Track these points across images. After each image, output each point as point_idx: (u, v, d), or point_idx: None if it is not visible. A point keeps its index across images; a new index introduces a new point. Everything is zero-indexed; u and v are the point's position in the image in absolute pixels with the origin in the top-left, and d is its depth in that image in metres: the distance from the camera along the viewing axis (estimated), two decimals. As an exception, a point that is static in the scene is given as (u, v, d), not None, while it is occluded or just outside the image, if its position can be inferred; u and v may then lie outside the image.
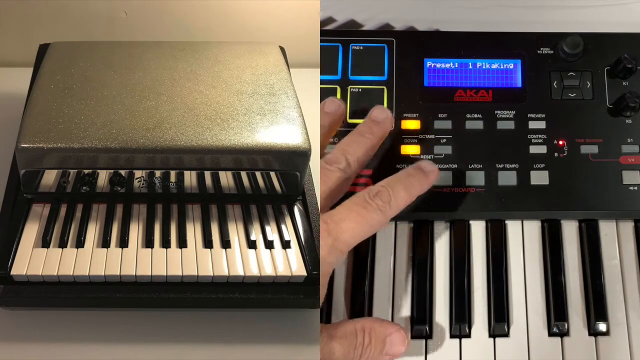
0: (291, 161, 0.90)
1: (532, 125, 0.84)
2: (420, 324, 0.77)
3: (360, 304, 0.78)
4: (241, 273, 0.84)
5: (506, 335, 0.77)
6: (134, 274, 0.83)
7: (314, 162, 0.87)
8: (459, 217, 0.83)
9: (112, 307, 0.85)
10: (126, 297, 0.83)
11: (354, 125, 0.84)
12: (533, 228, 0.83)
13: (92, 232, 0.88)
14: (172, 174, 0.90)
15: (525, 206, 0.82)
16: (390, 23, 0.96)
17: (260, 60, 1.03)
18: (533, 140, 0.84)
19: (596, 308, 0.77)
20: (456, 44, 0.87)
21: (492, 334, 0.77)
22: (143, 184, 0.91)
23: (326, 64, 0.87)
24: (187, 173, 0.90)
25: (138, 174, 0.90)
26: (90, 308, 0.85)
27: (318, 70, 0.87)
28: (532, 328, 0.77)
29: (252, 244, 0.88)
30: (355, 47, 0.88)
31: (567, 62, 0.86)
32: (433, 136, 0.84)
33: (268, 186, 0.92)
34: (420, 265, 0.81)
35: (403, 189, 0.74)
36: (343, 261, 0.81)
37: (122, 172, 0.89)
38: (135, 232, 0.88)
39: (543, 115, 0.85)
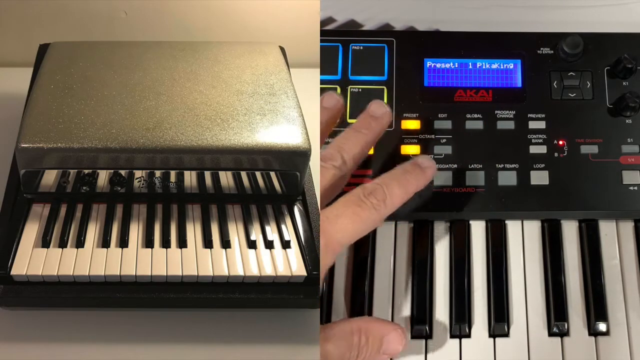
0: (291, 161, 0.90)
1: (532, 125, 0.84)
2: (420, 324, 0.77)
3: (360, 304, 0.78)
4: (241, 273, 0.84)
5: (506, 335, 0.77)
6: (134, 274, 0.83)
7: (314, 162, 0.87)
8: (459, 217, 0.83)
9: (112, 307, 0.85)
10: (126, 297, 0.83)
11: (354, 125, 0.84)
12: (533, 228, 0.83)
13: (92, 232, 0.88)
14: (172, 174, 0.90)
15: (525, 206, 0.82)
16: (390, 23, 0.96)
17: (260, 60, 1.03)
18: (533, 140, 0.84)
19: (596, 308, 0.78)
20: (456, 44, 0.88)
21: (492, 334, 0.77)
22: (143, 184, 0.91)
23: (326, 64, 0.87)
24: (187, 173, 0.90)
25: (138, 174, 0.90)
26: (90, 308, 0.85)
27: (318, 70, 0.87)
28: (532, 328, 0.77)
29: (252, 244, 0.88)
30: (355, 47, 0.88)
31: (567, 62, 0.86)
32: (433, 136, 0.84)
33: (268, 186, 0.92)
34: (420, 265, 0.81)
35: (398, 187, 0.72)
36: (342, 255, 0.81)
37: (122, 172, 0.89)
38: (135, 232, 0.88)
39: (543, 115, 0.85)
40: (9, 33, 1.26)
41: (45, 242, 0.85)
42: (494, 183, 0.82)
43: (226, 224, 0.90)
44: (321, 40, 0.88)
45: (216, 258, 0.86)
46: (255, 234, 0.89)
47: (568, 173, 0.82)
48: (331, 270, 0.81)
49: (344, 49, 0.88)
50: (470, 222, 0.83)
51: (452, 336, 0.78)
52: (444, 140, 0.84)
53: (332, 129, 0.81)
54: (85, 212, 0.90)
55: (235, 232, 0.89)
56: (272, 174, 0.91)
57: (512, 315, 0.78)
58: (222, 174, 0.90)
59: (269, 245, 0.88)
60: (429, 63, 0.87)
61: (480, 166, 0.83)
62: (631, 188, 0.82)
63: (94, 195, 0.91)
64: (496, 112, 0.85)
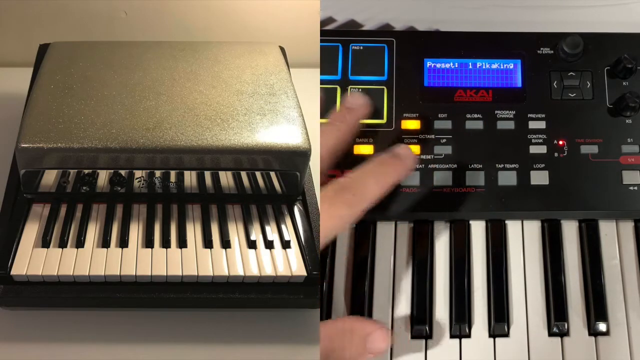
0: (291, 161, 0.90)
1: (532, 125, 0.84)
2: (420, 324, 0.77)
3: (360, 304, 0.78)
4: (241, 273, 0.84)
5: (506, 335, 0.77)
6: (134, 274, 0.83)
7: (314, 162, 0.87)
8: (459, 217, 0.83)
9: (112, 307, 0.85)
10: (126, 297, 0.83)
11: (354, 125, 0.84)
12: (533, 228, 0.83)
13: (92, 232, 0.88)
14: (172, 174, 0.90)
15: (525, 206, 0.82)
16: (390, 23, 0.96)
17: (260, 60, 1.03)
18: (533, 140, 0.84)
19: (596, 308, 0.77)
20: (456, 44, 0.87)
21: (492, 334, 0.77)
22: (143, 184, 0.91)
23: (326, 64, 0.87)
24: (187, 173, 0.90)
25: (138, 174, 0.90)
26: (90, 308, 0.86)
27: (318, 70, 0.87)
28: (532, 328, 0.77)
29: (252, 244, 0.88)
30: (355, 47, 0.88)
31: (567, 62, 0.86)
32: (433, 136, 0.84)
33: (268, 186, 0.92)
34: (420, 265, 0.81)
35: (374, 181, 0.71)
36: (342, 255, 0.81)
37: (122, 172, 0.89)
38: (135, 232, 0.88)
39: (543, 115, 0.85)
40: (9, 33, 1.26)
41: (45, 242, 0.85)
42: (494, 183, 0.82)
43: (226, 224, 0.90)
44: (321, 40, 0.88)
45: (216, 258, 0.86)
46: (255, 234, 0.89)
47: (568, 173, 0.82)
48: (331, 270, 0.81)
49: (344, 49, 0.88)
50: (470, 222, 0.83)
51: (452, 336, 0.77)
52: (444, 140, 0.84)
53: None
54: (85, 212, 0.90)
55: (235, 232, 0.89)
56: (272, 174, 0.91)
57: (512, 315, 0.78)
58: (222, 174, 0.91)
59: (269, 245, 0.88)
60: (429, 63, 0.87)
61: (480, 166, 0.83)
62: (631, 188, 0.82)
63: (94, 195, 0.91)
64: (496, 112, 0.85)
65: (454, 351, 0.77)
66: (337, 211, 0.69)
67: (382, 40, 0.88)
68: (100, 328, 0.85)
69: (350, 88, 0.86)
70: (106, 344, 0.83)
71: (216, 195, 0.93)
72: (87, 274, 0.83)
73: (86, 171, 0.89)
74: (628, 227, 0.83)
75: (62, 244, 0.86)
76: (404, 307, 0.79)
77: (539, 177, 0.82)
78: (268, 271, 0.84)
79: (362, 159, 0.83)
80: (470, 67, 0.87)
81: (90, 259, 0.84)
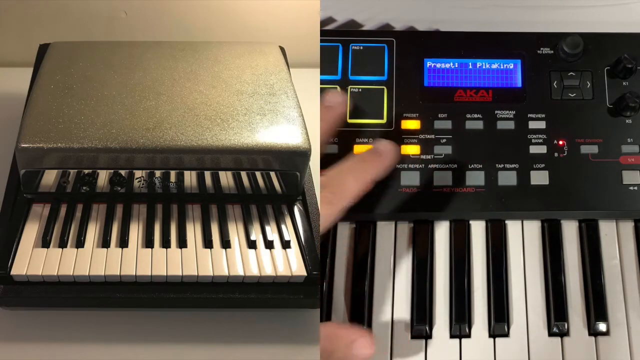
0: (291, 161, 0.90)
1: (532, 125, 0.84)
2: (420, 324, 0.77)
3: (360, 304, 0.78)
4: (241, 273, 0.84)
5: (506, 335, 0.77)
6: (134, 274, 0.83)
7: (314, 162, 0.87)
8: (459, 217, 0.83)
9: (112, 307, 0.85)
10: (126, 297, 0.83)
11: (354, 125, 0.84)
12: (533, 228, 0.83)
13: (92, 232, 0.88)
14: (172, 174, 0.90)
15: (525, 206, 0.82)
16: (390, 23, 0.96)
17: (260, 60, 1.03)
18: (533, 140, 0.84)
19: (596, 308, 0.77)
20: (456, 44, 0.87)
21: (492, 334, 0.77)
22: (143, 184, 0.91)
23: (326, 64, 0.87)
24: (187, 173, 0.90)
25: (138, 174, 0.90)
26: (90, 308, 0.86)
27: (318, 70, 0.87)
28: (532, 328, 0.77)
29: (252, 244, 0.88)
30: (355, 47, 0.88)
31: (567, 62, 0.86)
32: (433, 136, 0.84)
33: (268, 186, 0.92)
34: (420, 265, 0.81)
35: (353, 179, 0.71)
36: (343, 255, 0.81)
37: (122, 172, 0.89)
38: (135, 232, 0.88)
39: (543, 115, 0.85)
40: (9, 33, 1.26)
41: (45, 242, 0.85)
42: (494, 183, 0.82)
43: (226, 224, 0.90)
44: (321, 40, 0.88)
45: (216, 258, 0.86)
46: (255, 234, 0.89)
47: (568, 173, 0.82)
48: (331, 270, 0.81)
49: (344, 49, 0.88)
50: (470, 222, 0.83)
51: (452, 336, 0.77)
52: (444, 140, 0.84)
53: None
54: (85, 212, 0.90)
55: (235, 232, 0.89)
56: (272, 174, 0.91)
57: (512, 315, 0.78)
58: (222, 174, 0.91)
59: (269, 245, 0.88)
60: (429, 63, 0.87)
61: (480, 166, 0.83)
62: (631, 188, 0.82)
63: (94, 195, 0.91)
64: (496, 112, 0.85)
65: (454, 351, 0.77)
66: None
67: (382, 40, 0.88)
68: (100, 328, 0.85)
69: (350, 88, 0.86)
70: (106, 344, 0.83)
71: (216, 195, 0.93)
72: (87, 274, 0.83)
73: (86, 171, 0.89)
74: (628, 227, 0.83)
75: (62, 244, 0.86)
76: (404, 307, 0.79)
77: (539, 177, 0.82)
78: (268, 271, 0.84)
79: (362, 159, 0.83)
80: (470, 67, 0.87)
81: (90, 259, 0.84)
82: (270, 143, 0.89)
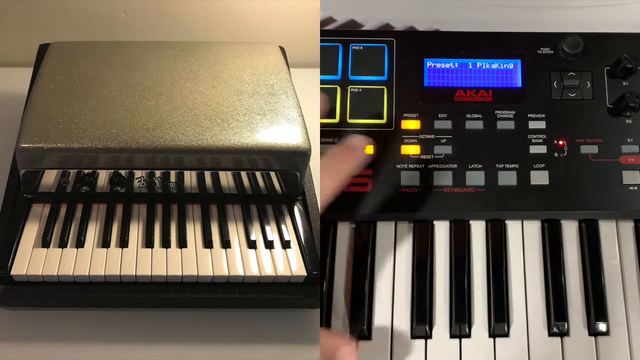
0: (291, 161, 0.90)
1: (532, 125, 0.84)
2: (420, 324, 0.77)
3: (360, 304, 0.78)
4: (241, 273, 0.84)
5: (506, 335, 0.77)
6: (134, 274, 0.83)
7: (314, 162, 0.87)
8: (459, 217, 0.83)
9: (112, 307, 0.85)
10: (126, 297, 0.83)
11: (354, 125, 0.84)
12: (533, 228, 0.83)
13: (92, 232, 0.88)
14: (172, 174, 0.90)
15: (525, 206, 0.82)
16: (390, 23, 0.96)
17: (260, 60, 1.03)
18: (533, 140, 0.84)
19: (596, 308, 0.78)
20: (456, 44, 0.87)
21: (492, 334, 0.77)
22: (143, 184, 0.91)
23: (326, 64, 0.87)
24: (187, 173, 0.90)
25: (138, 174, 0.90)
26: (90, 308, 0.85)
27: (318, 70, 0.87)
28: (532, 328, 0.77)
29: (252, 244, 0.88)
30: (355, 47, 0.88)
31: (567, 62, 0.86)
32: (433, 136, 0.84)
33: (268, 186, 0.92)
34: (420, 265, 0.81)
35: (328, 177, 0.72)
36: (343, 255, 0.81)
37: (122, 172, 0.89)
38: (135, 232, 0.88)
39: (543, 115, 0.85)
40: (9, 33, 1.26)
41: (45, 242, 0.85)
42: (494, 183, 0.82)
43: (226, 224, 0.90)
44: (321, 40, 0.88)
45: (216, 258, 0.86)
46: (255, 234, 0.89)
47: (568, 173, 0.82)
48: (331, 270, 0.81)
49: (344, 49, 0.88)
50: (470, 222, 0.83)
51: (452, 336, 0.77)
52: (444, 140, 0.84)
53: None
54: (85, 212, 0.90)
55: (235, 232, 0.89)
56: (272, 174, 0.91)
57: (512, 315, 0.78)
58: (222, 174, 0.90)
59: (269, 245, 0.88)
60: (429, 63, 0.87)
61: (480, 166, 0.83)
62: (631, 188, 0.82)
63: (94, 195, 0.91)
64: (496, 112, 0.85)
65: (454, 351, 0.77)
66: None
67: (382, 40, 0.88)
68: (100, 328, 0.85)
69: (350, 88, 0.86)
70: (106, 344, 0.83)
71: (216, 195, 0.93)
72: (87, 274, 0.83)
73: (86, 171, 0.89)
74: (628, 227, 0.83)
75: (62, 244, 0.85)
76: (404, 307, 0.79)
77: (539, 177, 0.82)
78: (268, 271, 0.84)
79: (362, 159, 0.83)
80: (470, 67, 0.87)
81: (90, 259, 0.84)
82: (270, 143, 0.89)
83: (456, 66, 0.87)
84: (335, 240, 0.82)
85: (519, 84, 0.86)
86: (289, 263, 0.86)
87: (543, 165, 0.83)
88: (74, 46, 1.03)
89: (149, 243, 0.86)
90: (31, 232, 0.87)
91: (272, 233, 0.89)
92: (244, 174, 0.91)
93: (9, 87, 1.15)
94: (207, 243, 0.87)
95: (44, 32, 1.24)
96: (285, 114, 0.93)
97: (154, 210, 0.91)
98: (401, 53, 0.87)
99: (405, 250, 0.82)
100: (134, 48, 1.03)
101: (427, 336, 0.77)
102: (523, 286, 0.79)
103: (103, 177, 0.90)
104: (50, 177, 0.89)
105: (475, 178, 0.82)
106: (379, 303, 0.79)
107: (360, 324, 0.77)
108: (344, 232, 0.83)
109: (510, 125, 0.84)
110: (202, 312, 0.87)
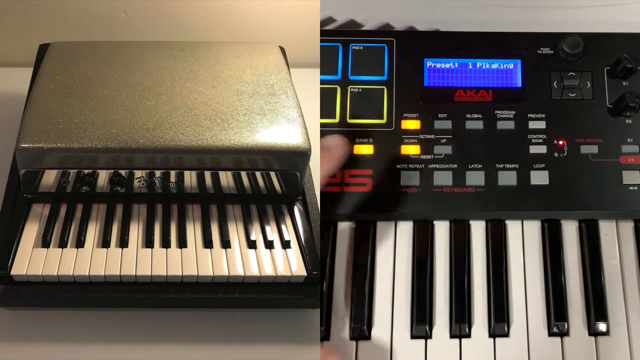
0: (291, 161, 0.90)
1: (532, 125, 0.84)
2: (420, 324, 0.77)
3: (360, 304, 0.78)
4: (241, 273, 0.84)
5: (506, 335, 0.77)
6: (134, 274, 0.83)
7: (314, 162, 0.87)
8: (459, 217, 0.83)
9: (112, 307, 0.85)
10: (126, 297, 0.83)
11: (354, 126, 0.84)
12: (533, 228, 0.83)
13: (92, 232, 0.88)
14: (172, 174, 0.90)
15: (525, 206, 0.82)
16: (390, 23, 0.96)
17: (260, 60, 1.03)
18: (533, 140, 0.84)
19: (596, 308, 0.78)
20: (456, 44, 0.87)
21: (492, 334, 0.77)
22: (143, 184, 0.91)
23: (326, 64, 0.87)
24: (187, 173, 0.90)
25: (138, 174, 0.90)
26: (90, 308, 0.85)
27: (318, 70, 0.87)
28: (532, 328, 0.77)
29: (252, 244, 0.88)
30: (355, 47, 0.88)
31: (567, 62, 0.86)
32: (433, 136, 0.84)
33: (268, 186, 0.92)
34: (420, 265, 0.81)
35: None
36: (343, 255, 0.81)
37: (122, 172, 0.89)
38: (135, 232, 0.88)
39: (543, 115, 0.85)
40: (9, 33, 1.26)
41: (45, 242, 0.85)
42: (494, 183, 0.82)
43: (226, 224, 0.90)
44: (321, 40, 0.88)
45: (216, 258, 0.86)
46: (255, 234, 0.89)
47: (568, 173, 0.82)
48: (331, 270, 0.81)
49: (344, 49, 0.88)
50: (470, 222, 0.83)
51: (452, 336, 0.78)
52: (444, 140, 0.84)
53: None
54: (85, 212, 0.90)
55: (235, 232, 0.89)
56: (272, 174, 0.91)
57: (512, 315, 0.78)
58: (222, 174, 0.90)
59: (269, 245, 0.88)
60: (429, 63, 0.87)
61: (480, 166, 0.83)
62: (631, 188, 0.82)
63: (94, 195, 0.91)
64: (496, 112, 0.85)
65: (454, 351, 0.77)
66: None
67: (382, 40, 0.88)
68: (100, 328, 0.85)
69: (350, 88, 0.86)
70: (106, 344, 0.83)
71: (216, 195, 0.93)
72: (87, 274, 0.83)
73: (86, 171, 0.89)
74: (628, 227, 0.83)
75: (62, 244, 0.85)
76: (404, 307, 0.79)
77: (539, 177, 0.82)
78: (268, 271, 0.84)
79: (363, 159, 0.83)
80: (470, 67, 0.87)
81: (90, 259, 0.84)
82: (270, 143, 0.89)
83: (456, 66, 0.87)
84: (335, 240, 0.82)
85: (519, 84, 0.86)
86: (289, 263, 0.86)
87: (543, 165, 0.83)
88: (74, 46, 1.03)
89: (149, 243, 0.86)
90: (31, 232, 0.87)
91: (272, 233, 0.89)
92: (244, 174, 0.91)
93: (9, 87, 1.15)
94: (207, 243, 0.87)
95: (44, 32, 1.24)
96: (285, 114, 0.93)
97: (154, 210, 0.91)
98: (401, 53, 0.87)
99: (405, 250, 0.82)
100: (134, 48, 1.03)
101: (427, 336, 0.77)
102: (523, 286, 0.79)
103: (103, 177, 0.90)
104: (50, 177, 0.89)
105: (475, 178, 0.82)
106: (379, 303, 0.79)
107: (360, 324, 0.77)
108: (344, 232, 0.83)
109: (510, 125, 0.84)
110: (202, 312, 0.87)
